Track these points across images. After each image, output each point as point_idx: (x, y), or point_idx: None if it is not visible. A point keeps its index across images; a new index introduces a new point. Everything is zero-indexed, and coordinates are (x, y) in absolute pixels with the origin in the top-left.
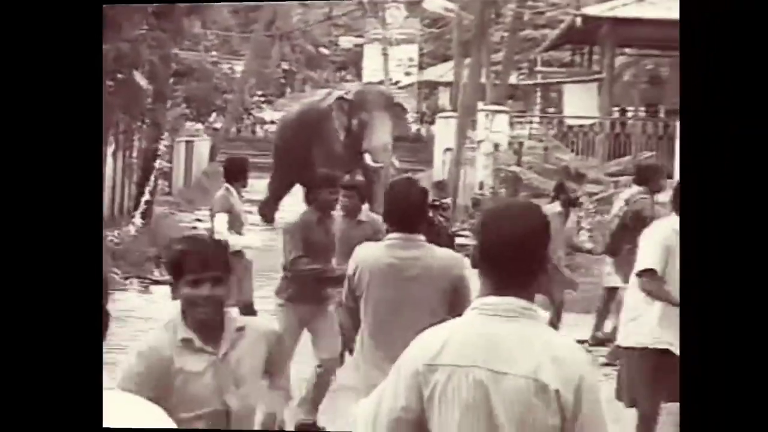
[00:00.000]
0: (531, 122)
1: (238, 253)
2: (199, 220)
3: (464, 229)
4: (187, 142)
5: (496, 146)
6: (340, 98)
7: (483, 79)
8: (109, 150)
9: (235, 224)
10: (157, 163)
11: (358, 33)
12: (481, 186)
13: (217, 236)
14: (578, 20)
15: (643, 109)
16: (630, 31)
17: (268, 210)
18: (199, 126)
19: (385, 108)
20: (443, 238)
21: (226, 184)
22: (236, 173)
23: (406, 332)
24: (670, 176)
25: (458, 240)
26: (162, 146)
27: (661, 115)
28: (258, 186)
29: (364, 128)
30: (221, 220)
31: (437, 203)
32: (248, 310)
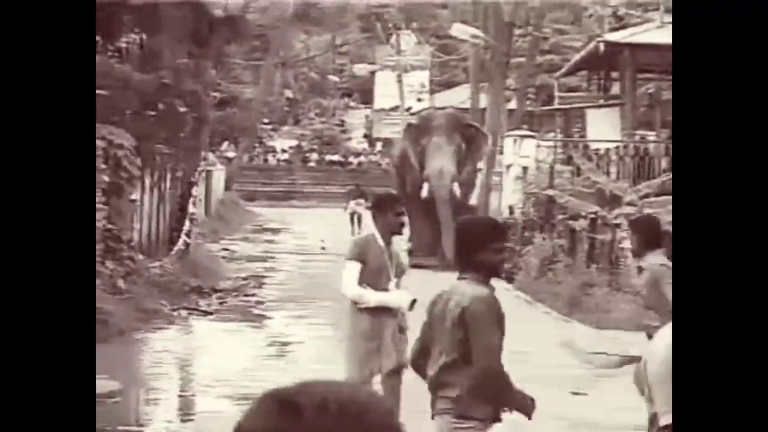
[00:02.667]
0: (556, 146)
1: (382, 312)
2: (226, 249)
3: None
4: (207, 171)
5: (525, 170)
6: (409, 124)
7: (511, 105)
8: (147, 181)
9: (375, 278)
10: (194, 191)
11: (370, 60)
12: (511, 210)
13: (344, 290)
14: (601, 46)
15: (663, 132)
16: (649, 56)
17: None
18: (210, 155)
19: (446, 132)
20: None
21: (375, 232)
22: (387, 214)
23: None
24: None
25: None
26: (198, 175)
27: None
28: (271, 215)
29: (424, 154)
30: (351, 272)
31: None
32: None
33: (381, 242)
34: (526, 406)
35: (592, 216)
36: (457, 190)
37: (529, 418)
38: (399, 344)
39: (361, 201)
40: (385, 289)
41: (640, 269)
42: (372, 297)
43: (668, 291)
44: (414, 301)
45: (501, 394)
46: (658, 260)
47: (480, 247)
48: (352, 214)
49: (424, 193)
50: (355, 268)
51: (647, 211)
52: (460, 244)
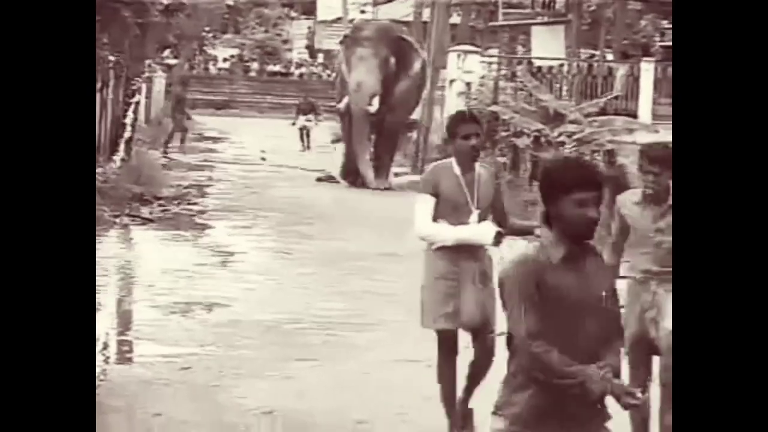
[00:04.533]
0: (500, 63)
1: (461, 254)
2: (166, 156)
3: None
4: (148, 78)
5: (468, 85)
6: (344, 35)
7: (454, 20)
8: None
9: (452, 214)
10: (136, 99)
11: None
12: None
13: (416, 229)
14: None
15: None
16: None
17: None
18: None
19: (373, 43)
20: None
21: (452, 159)
22: (462, 137)
23: None
24: (635, 116)
25: None
26: (141, 81)
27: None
28: (210, 123)
29: (350, 68)
30: (423, 207)
31: None
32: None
33: (457, 170)
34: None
35: (536, 134)
36: (374, 105)
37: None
38: (482, 295)
39: (311, 116)
40: (464, 224)
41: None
42: (448, 233)
43: None
44: (499, 234)
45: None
46: None
47: (559, 196)
48: (301, 129)
49: (341, 106)
50: (427, 203)
51: (590, 130)
52: (543, 192)
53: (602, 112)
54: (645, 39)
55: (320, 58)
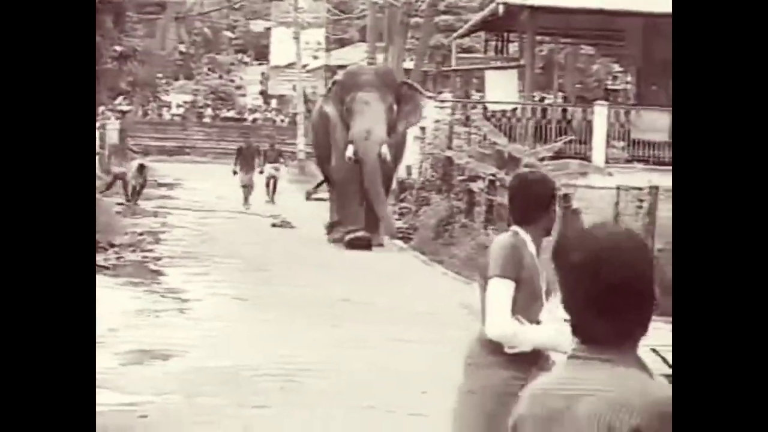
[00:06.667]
0: (454, 107)
1: (523, 357)
2: (120, 203)
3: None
4: (101, 125)
5: (423, 130)
6: (334, 82)
7: (407, 65)
8: None
9: (528, 304)
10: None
11: (265, 15)
12: (409, 170)
13: (491, 326)
14: (500, 8)
15: (561, 94)
16: (548, 19)
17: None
18: (101, 108)
19: (378, 88)
20: None
21: (515, 228)
22: (550, 208)
23: None
24: (588, 159)
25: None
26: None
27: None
28: (164, 170)
29: (350, 114)
30: (503, 296)
31: None
32: None
33: (532, 247)
34: None
35: (491, 177)
36: (386, 153)
37: None
38: None
39: (278, 165)
40: (537, 321)
41: None
42: (532, 335)
43: None
44: None
45: None
46: None
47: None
48: (268, 179)
49: (349, 153)
50: (508, 290)
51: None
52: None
53: (557, 155)
54: (597, 83)
55: (274, 103)
